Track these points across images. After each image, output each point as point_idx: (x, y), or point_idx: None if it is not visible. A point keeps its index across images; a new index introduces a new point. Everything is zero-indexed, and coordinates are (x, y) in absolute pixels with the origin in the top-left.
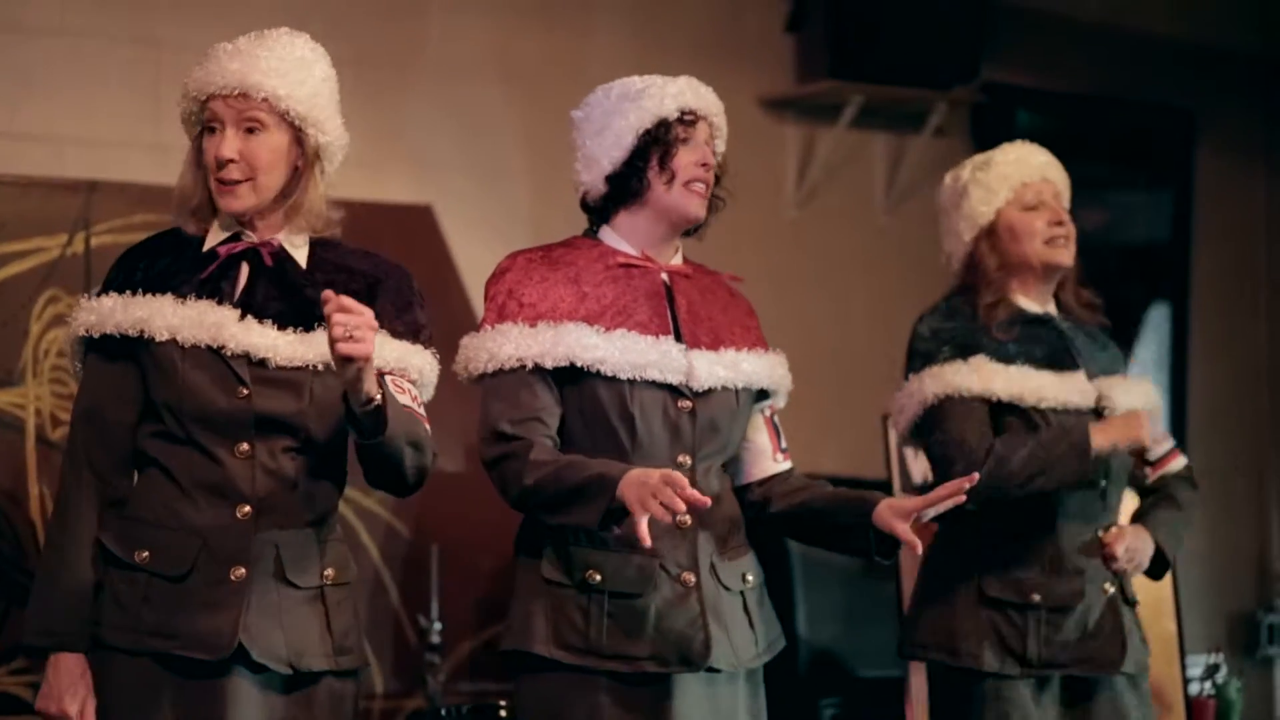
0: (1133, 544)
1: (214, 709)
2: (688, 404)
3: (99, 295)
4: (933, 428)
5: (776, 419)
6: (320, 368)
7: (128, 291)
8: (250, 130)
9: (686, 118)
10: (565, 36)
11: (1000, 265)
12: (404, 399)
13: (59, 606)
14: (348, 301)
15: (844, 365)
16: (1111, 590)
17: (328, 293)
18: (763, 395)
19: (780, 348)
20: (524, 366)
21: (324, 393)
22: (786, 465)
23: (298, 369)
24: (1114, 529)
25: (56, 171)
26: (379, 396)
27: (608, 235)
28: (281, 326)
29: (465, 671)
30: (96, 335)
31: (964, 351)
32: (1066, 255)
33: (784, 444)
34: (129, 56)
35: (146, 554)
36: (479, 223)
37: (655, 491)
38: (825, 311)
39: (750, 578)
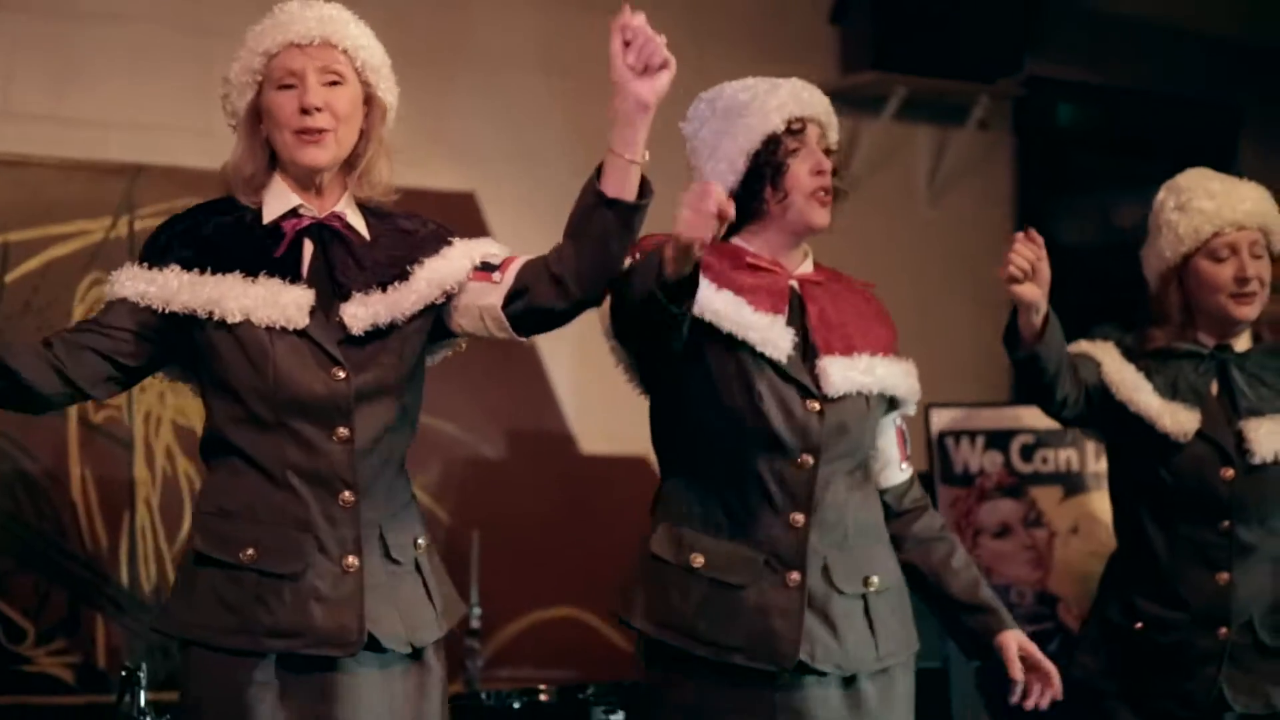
0: None
1: (340, 699)
2: (815, 405)
3: (147, 264)
4: None
5: (905, 428)
6: (403, 321)
7: (195, 269)
8: (331, 84)
9: (794, 127)
10: (608, 25)
11: (1184, 308)
12: (504, 254)
13: None
14: None
15: None
16: (1226, 634)
17: None
18: (893, 404)
19: None
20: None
21: (410, 350)
22: (909, 473)
23: (386, 333)
24: None
25: (102, 155)
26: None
27: (736, 242)
28: (365, 292)
29: (505, 657)
30: (162, 310)
31: (1111, 338)
32: (1252, 310)
33: (909, 451)
34: (175, 42)
35: (253, 551)
36: (522, 211)
37: (689, 205)
38: None
39: (876, 580)
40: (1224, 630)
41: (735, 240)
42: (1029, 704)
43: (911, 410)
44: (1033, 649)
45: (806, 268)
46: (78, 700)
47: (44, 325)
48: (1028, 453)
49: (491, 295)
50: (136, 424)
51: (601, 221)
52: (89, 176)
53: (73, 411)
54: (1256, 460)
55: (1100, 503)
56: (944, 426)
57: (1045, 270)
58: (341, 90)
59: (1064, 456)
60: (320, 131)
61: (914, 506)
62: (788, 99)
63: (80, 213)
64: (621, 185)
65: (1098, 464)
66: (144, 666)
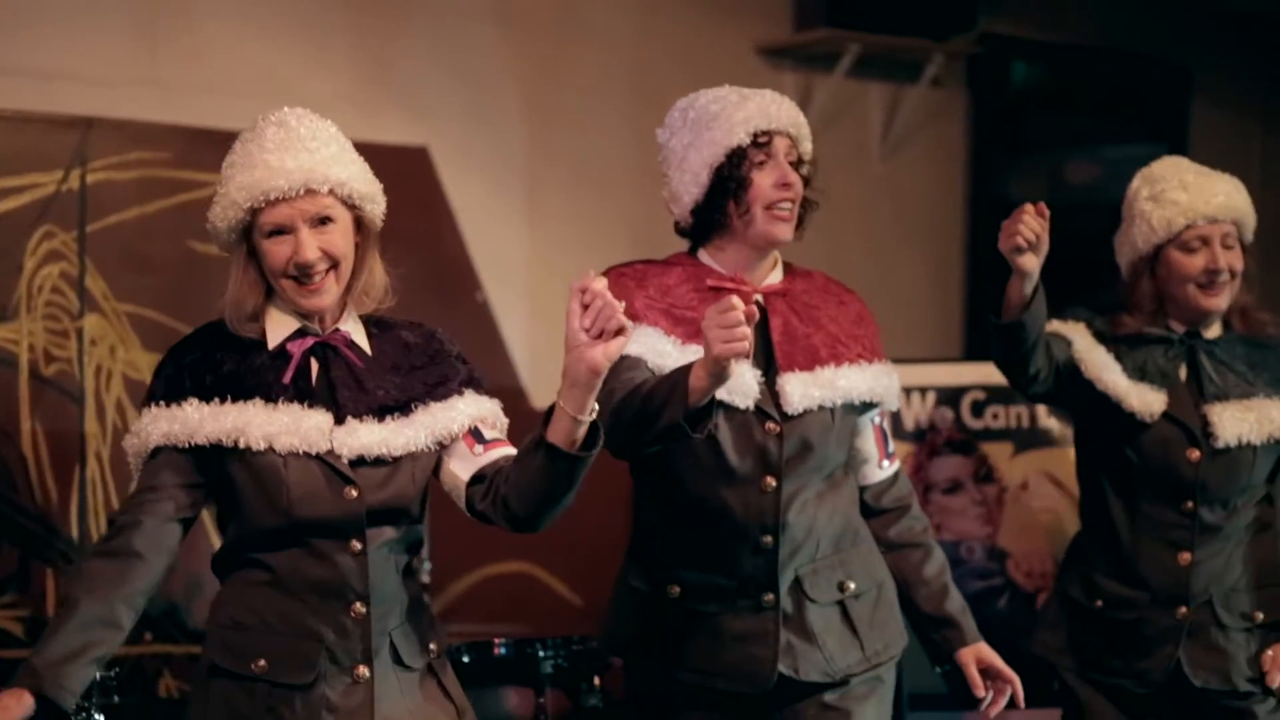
0: None
1: None
2: (775, 427)
3: (164, 401)
4: None
5: (886, 424)
6: (416, 451)
7: (215, 400)
8: (321, 222)
9: (760, 140)
10: None
11: (1155, 296)
12: (494, 433)
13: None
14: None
15: None
16: (1185, 613)
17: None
18: (869, 405)
19: None
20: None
21: (422, 472)
22: (892, 470)
23: (394, 459)
24: (1269, 653)
25: (53, 107)
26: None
27: (704, 256)
28: (360, 419)
29: (456, 611)
30: (186, 446)
31: (1083, 319)
32: (1221, 300)
33: (890, 448)
34: None
35: (264, 663)
36: (474, 165)
37: (717, 325)
38: (821, 259)
39: (852, 585)
40: (1183, 610)
41: (701, 254)
42: (992, 712)
43: (893, 408)
44: (993, 660)
45: (775, 277)
46: (28, 654)
47: None
48: (978, 409)
49: (465, 466)
50: (88, 377)
51: (543, 464)
52: (40, 129)
53: (23, 364)
54: (1220, 444)
55: (1051, 459)
56: None
57: (1046, 243)
58: (333, 228)
59: (1014, 413)
60: (321, 278)
61: (895, 506)
62: (755, 112)
63: (31, 165)
64: (566, 437)
65: (1048, 420)
66: None
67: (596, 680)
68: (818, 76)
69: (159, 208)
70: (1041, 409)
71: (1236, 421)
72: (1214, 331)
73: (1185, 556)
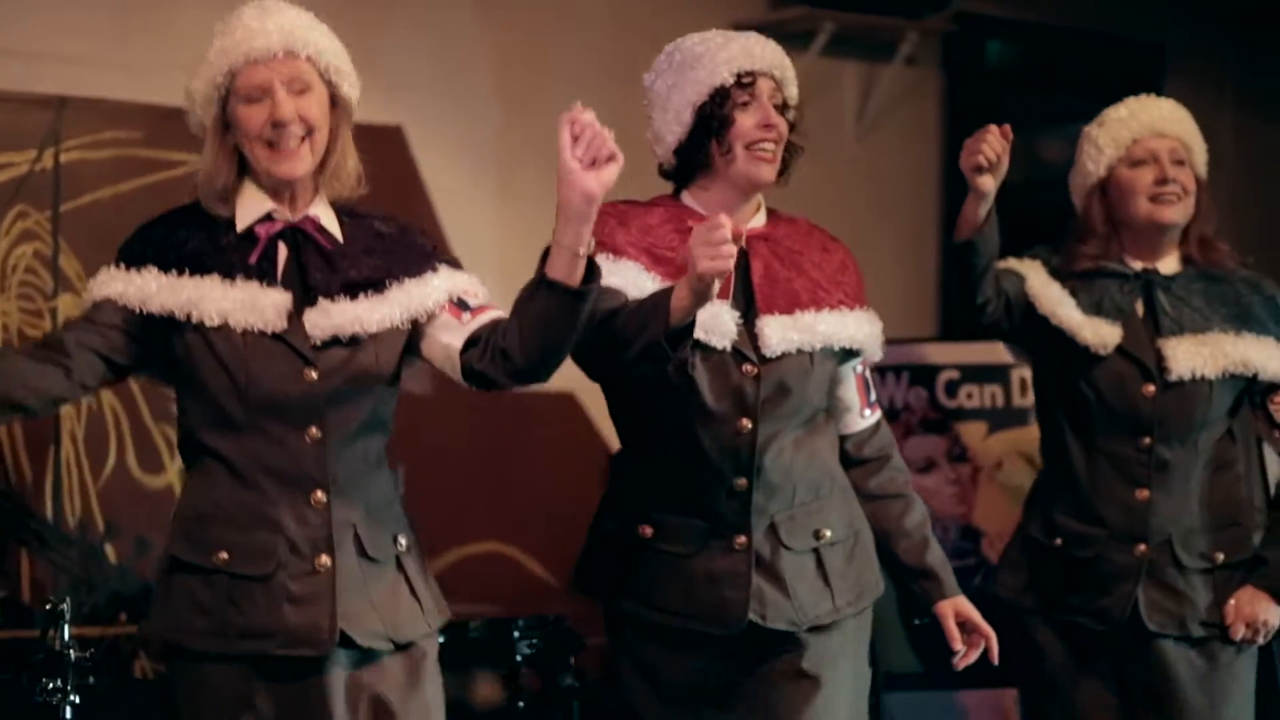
0: (1250, 614)
1: (317, 699)
2: (752, 369)
3: (124, 265)
4: None
5: (869, 373)
6: (365, 336)
7: (173, 271)
8: (298, 93)
9: (744, 80)
10: None
11: (1107, 221)
12: (478, 300)
13: None
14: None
15: None
16: (1144, 551)
17: None
18: (851, 353)
19: None
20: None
21: (388, 355)
22: (873, 419)
23: (363, 339)
24: (1231, 602)
25: (27, 87)
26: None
27: (687, 199)
28: (333, 299)
29: None
30: (140, 312)
31: (1039, 257)
32: (1173, 212)
33: (873, 397)
34: None
35: (225, 555)
36: (449, 144)
37: (704, 241)
38: None
39: (828, 533)
40: (1142, 547)
41: (684, 196)
42: (963, 664)
43: (876, 357)
44: (971, 613)
45: (758, 221)
46: (1, 635)
47: None
48: (952, 388)
49: (455, 335)
50: None
51: (545, 304)
52: (13, 108)
53: None
54: (1173, 377)
55: (1025, 438)
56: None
57: (1005, 165)
58: (310, 97)
59: (989, 392)
60: (296, 143)
61: (876, 456)
62: (738, 53)
63: (4, 145)
64: (566, 272)
65: (1023, 399)
66: (68, 601)
67: (572, 660)
68: (792, 55)
69: (132, 187)
70: (1016, 387)
71: (1190, 355)
72: (1171, 267)
73: (1143, 493)
